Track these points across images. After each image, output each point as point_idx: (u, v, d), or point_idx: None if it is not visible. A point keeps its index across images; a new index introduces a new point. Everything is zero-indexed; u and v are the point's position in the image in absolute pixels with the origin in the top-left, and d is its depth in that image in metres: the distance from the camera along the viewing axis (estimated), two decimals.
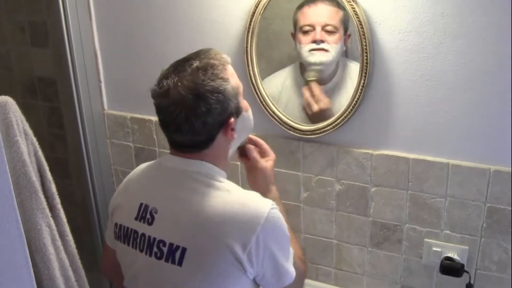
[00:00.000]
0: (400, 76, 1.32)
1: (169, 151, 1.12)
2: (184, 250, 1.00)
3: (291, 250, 1.10)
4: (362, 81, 1.33)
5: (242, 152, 1.25)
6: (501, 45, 1.19)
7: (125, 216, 1.12)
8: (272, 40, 1.45)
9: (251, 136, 1.25)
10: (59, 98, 1.78)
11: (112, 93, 1.78)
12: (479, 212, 1.33)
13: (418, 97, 1.31)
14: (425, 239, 1.42)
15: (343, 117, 1.39)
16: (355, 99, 1.36)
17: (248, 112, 1.14)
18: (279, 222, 1.04)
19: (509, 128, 1.25)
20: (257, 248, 0.99)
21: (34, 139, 1.34)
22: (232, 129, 1.08)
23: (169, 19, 1.57)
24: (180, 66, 1.04)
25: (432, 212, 1.38)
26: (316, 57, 1.37)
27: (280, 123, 1.48)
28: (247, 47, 1.44)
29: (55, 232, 1.37)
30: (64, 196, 1.44)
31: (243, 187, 1.10)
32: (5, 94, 1.28)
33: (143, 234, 1.07)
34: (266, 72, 1.47)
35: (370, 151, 1.41)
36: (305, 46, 1.36)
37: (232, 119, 1.06)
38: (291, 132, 1.47)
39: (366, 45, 1.29)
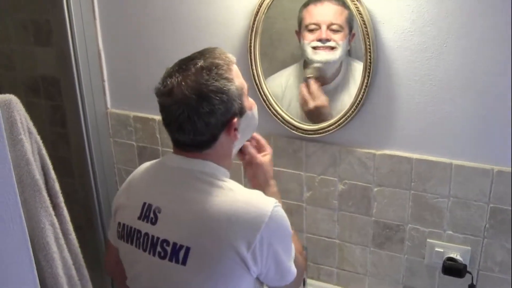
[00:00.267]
0: (403, 75, 1.31)
1: (172, 150, 1.12)
2: (188, 249, 1.00)
3: (293, 247, 1.10)
4: (366, 80, 1.33)
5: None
6: (505, 45, 1.19)
7: (128, 215, 1.11)
8: (276, 39, 1.45)
9: None
10: (62, 97, 1.79)
11: (115, 92, 1.78)
12: (482, 213, 1.33)
13: (421, 97, 1.31)
14: (428, 240, 1.41)
15: (346, 116, 1.39)
16: (358, 98, 1.35)
17: (253, 110, 1.13)
18: (283, 220, 1.04)
19: None
20: (261, 247, 0.99)
21: (38, 138, 1.34)
22: (235, 129, 1.07)
23: (173, 18, 1.57)
24: (184, 65, 1.04)
25: (435, 212, 1.38)
26: (321, 56, 1.36)
27: (283, 123, 1.47)
28: (250, 46, 1.44)
29: (58, 231, 1.37)
30: (67, 195, 1.44)
31: (246, 186, 1.10)
32: (9, 93, 1.28)
33: (146, 234, 1.06)
34: (270, 71, 1.47)
35: (373, 151, 1.41)
36: (310, 43, 1.36)
37: (235, 119, 1.06)
38: (294, 132, 1.47)
39: (369, 45, 1.29)
